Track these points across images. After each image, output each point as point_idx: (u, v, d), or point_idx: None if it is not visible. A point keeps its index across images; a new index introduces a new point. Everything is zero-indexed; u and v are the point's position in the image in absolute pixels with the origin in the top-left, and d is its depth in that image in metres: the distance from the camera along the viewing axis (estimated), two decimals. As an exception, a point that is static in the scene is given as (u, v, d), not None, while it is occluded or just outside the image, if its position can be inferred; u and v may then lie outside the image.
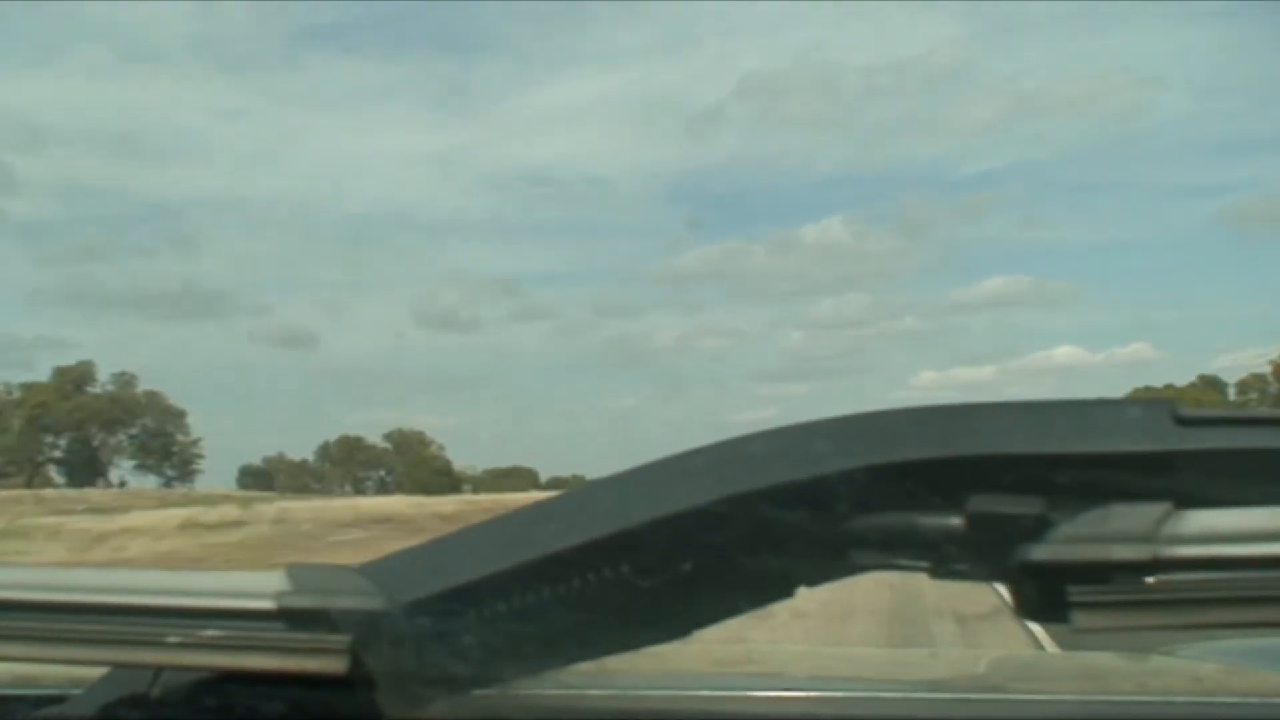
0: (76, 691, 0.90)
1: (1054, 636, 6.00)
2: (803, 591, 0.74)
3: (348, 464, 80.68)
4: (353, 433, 79.91)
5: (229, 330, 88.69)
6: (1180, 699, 1.07)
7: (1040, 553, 0.63)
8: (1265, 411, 0.65)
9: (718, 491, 0.68)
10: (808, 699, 1.02)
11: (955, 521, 0.66)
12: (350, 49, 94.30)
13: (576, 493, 0.80)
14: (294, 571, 0.76)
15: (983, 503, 0.65)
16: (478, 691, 0.79)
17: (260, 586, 0.75)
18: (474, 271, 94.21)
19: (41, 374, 71.65)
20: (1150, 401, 0.65)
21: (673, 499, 0.69)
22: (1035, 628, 6.36)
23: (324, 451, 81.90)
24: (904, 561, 0.69)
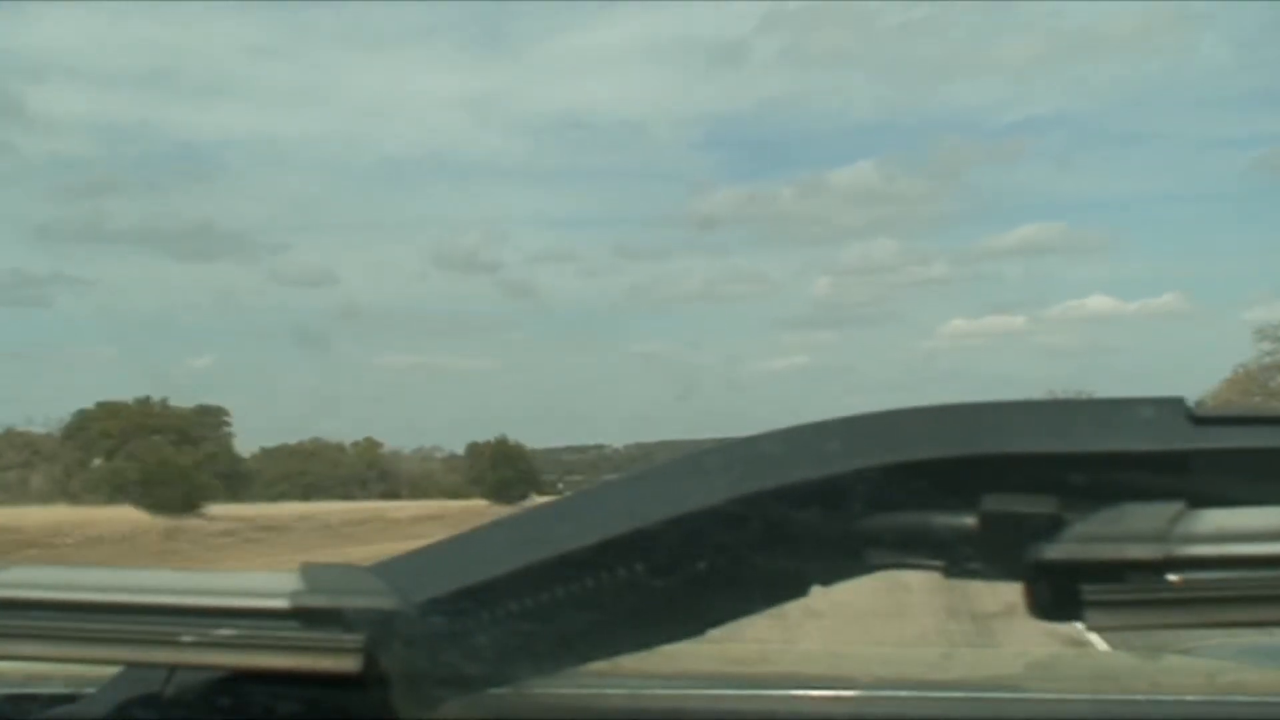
0: (89, 690, 0.91)
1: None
2: (817, 590, 0.74)
3: None
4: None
5: (249, 270, 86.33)
6: (1195, 698, 1.07)
7: (1054, 552, 0.63)
8: (1279, 410, 0.65)
9: (731, 491, 0.68)
10: (821, 698, 1.02)
11: (969, 521, 0.66)
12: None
13: (589, 492, 0.80)
14: (308, 570, 0.76)
15: (996, 502, 0.65)
16: (491, 691, 0.79)
17: (274, 586, 0.75)
18: (502, 215, 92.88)
19: (58, 311, 67.77)
20: (1164, 401, 0.65)
21: (686, 498, 0.69)
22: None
23: None
24: (918, 561, 0.69)
